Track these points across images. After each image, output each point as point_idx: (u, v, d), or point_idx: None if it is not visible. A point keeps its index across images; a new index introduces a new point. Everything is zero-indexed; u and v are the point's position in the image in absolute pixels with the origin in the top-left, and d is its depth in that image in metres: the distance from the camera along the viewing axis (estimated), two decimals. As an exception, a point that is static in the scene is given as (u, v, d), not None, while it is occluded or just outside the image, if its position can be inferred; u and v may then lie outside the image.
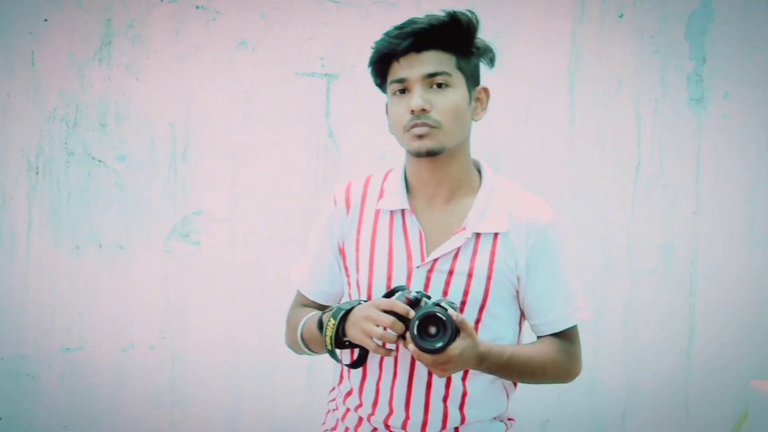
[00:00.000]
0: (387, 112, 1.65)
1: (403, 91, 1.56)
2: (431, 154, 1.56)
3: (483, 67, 1.65)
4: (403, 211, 1.63)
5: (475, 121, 1.65)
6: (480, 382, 1.64)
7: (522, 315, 1.69)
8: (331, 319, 1.53)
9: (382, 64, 1.58)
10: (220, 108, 2.56)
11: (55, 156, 2.57)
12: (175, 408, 2.59)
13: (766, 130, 2.56)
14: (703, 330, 2.57)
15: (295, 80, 2.54)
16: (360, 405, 1.66)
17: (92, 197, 2.57)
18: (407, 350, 1.47)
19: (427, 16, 1.55)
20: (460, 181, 1.64)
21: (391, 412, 1.63)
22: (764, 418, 2.20)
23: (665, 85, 2.54)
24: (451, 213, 1.63)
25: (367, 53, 1.58)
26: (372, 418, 1.64)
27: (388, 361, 1.62)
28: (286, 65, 2.54)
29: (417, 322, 1.42)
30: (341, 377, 1.72)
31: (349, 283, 1.69)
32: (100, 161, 2.57)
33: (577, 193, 2.56)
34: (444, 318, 1.42)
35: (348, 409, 1.70)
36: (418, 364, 1.60)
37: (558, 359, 1.67)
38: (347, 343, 1.55)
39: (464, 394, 1.63)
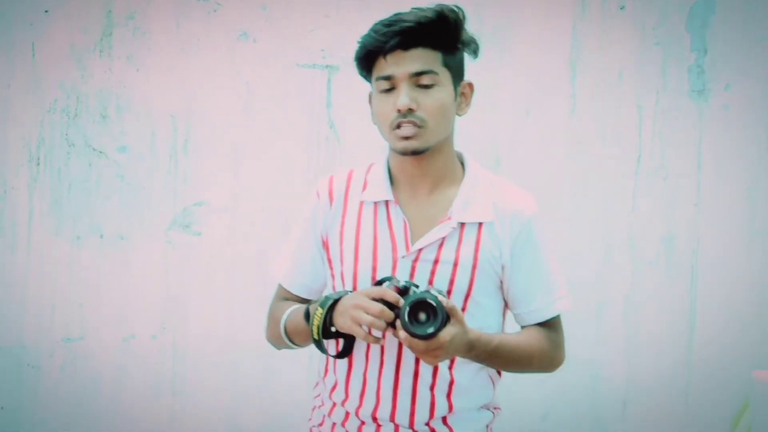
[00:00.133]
0: (369, 102, 1.64)
1: (389, 88, 1.56)
2: (417, 153, 1.58)
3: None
4: (387, 202, 1.64)
5: (459, 116, 1.66)
6: (466, 370, 1.65)
7: (505, 305, 1.71)
8: (319, 308, 1.53)
9: (368, 60, 1.58)
10: (221, 99, 2.56)
11: (55, 147, 2.57)
12: (176, 398, 2.59)
13: (767, 121, 2.55)
14: (703, 321, 2.57)
15: (296, 72, 2.54)
16: (346, 398, 1.66)
17: (93, 188, 2.57)
18: (397, 338, 1.47)
19: (413, 11, 1.53)
20: (444, 173, 1.65)
21: (378, 403, 1.63)
22: (765, 408, 2.20)
23: (666, 77, 2.54)
24: (435, 203, 1.64)
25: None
26: (360, 410, 1.64)
27: (374, 351, 1.63)
28: (287, 57, 2.54)
29: (408, 308, 1.42)
30: (326, 371, 1.72)
31: (332, 276, 1.69)
32: (100, 152, 2.57)
33: (578, 185, 2.56)
34: (435, 303, 1.42)
35: (334, 404, 1.69)
36: (404, 353, 1.61)
37: (543, 348, 1.68)
38: (334, 332, 1.55)
39: (451, 383, 1.64)
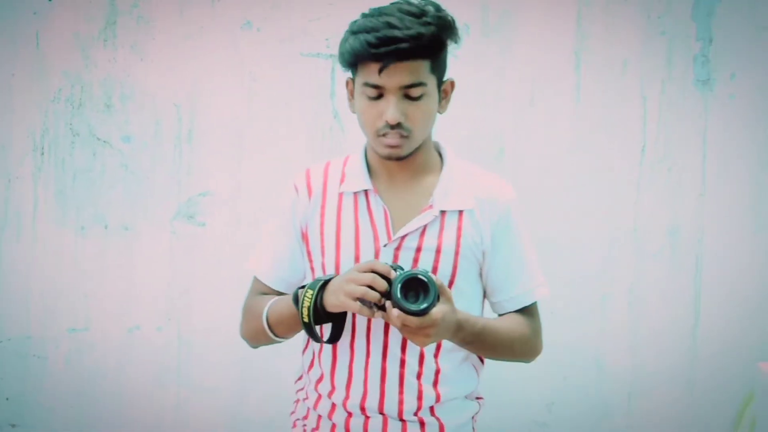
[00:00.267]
0: (347, 86, 1.65)
1: (377, 96, 1.56)
2: (400, 159, 1.61)
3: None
4: (366, 191, 1.65)
5: (440, 113, 1.67)
6: (452, 359, 1.67)
7: (484, 294, 1.73)
8: (309, 290, 1.52)
9: (355, 64, 1.57)
10: (225, 89, 2.55)
11: (60, 136, 2.57)
12: (181, 389, 2.60)
13: (773, 111, 2.55)
14: (708, 312, 2.56)
15: (300, 61, 2.53)
16: (333, 390, 1.66)
17: (97, 178, 2.57)
18: (387, 320, 1.47)
19: (404, 20, 1.51)
20: (423, 163, 1.67)
21: (365, 393, 1.63)
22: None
23: (671, 66, 2.53)
24: (414, 192, 1.66)
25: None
26: (347, 402, 1.64)
27: (360, 341, 1.63)
28: (290, 46, 2.53)
29: (399, 285, 1.42)
30: (311, 364, 1.72)
31: (312, 268, 1.69)
32: (105, 142, 2.58)
33: (581, 175, 2.55)
34: (426, 279, 1.42)
35: (320, 396, 1.69)
36: (391, 341, 1.62)
37: (524, 334, 1.71)
38: (325, 315, 1.54)
39: (437, 371, 1.65)
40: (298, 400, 1.79)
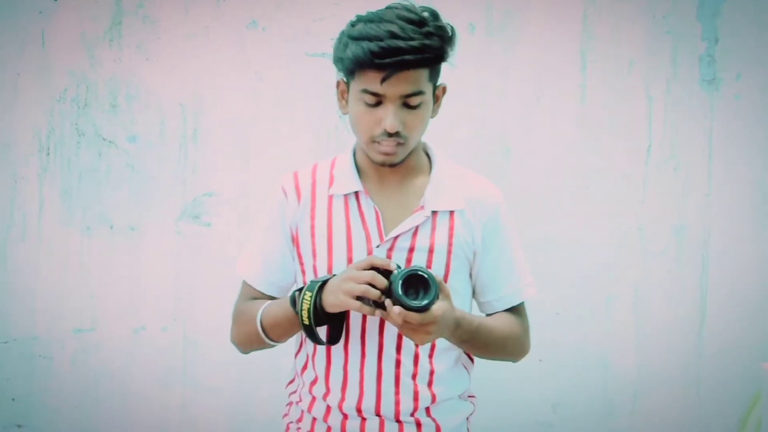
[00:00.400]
0: (337, 87, 1.65)
1: (375, 103, 1.56)
2: (394, 165, 1.62)
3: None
4: (356, 193, 1.66)
5: (432, 118, 1.67)
6: (445, 359, 1.68)
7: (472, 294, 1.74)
8: (307, 292, 1.52)
9: (354, 69, 1.56)
10: (230, 88, 2.55)
11: (65, 136, 2.57)
12: (187, 389, 2.59)
13: (779, 111, 2.55)
14: (714, 312, 2.56)
15: (306, 60, 2.53)
16: (327, 392, 1.66)
17: (103, 178, 2.57)
18: (387, 319, 1.47)
19: (405, 28, 1.50)
20: (412, 164, 1.68)
21: (361, 395, 1.63)
22: (776, 399, 2.19)
23: (677, 66, 2.53)
24: (404, 192, 1.67)
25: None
26: (343, 404, 1.64)
27: (354, 343, 1.64)
28: (296, 46, 2.53)
29: (400, 282, 1.42)
30: (304, 366, 1.72)
31: (303, 271, 1.69)
32: (110, 142, 2.58)
33: (587, 174, 2.55)
34: (426, 276, 1.43)
35: (314, 398, 1.69)
36: (386, 342, 1.63)
37: (515, 333, 1.73)
38: (325, 316, 1.54)
39: (431, 372, 1.66)
40: (290, 403, 1.79)
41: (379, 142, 1.58)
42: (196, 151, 2.56)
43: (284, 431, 1.80)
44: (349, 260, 1.63)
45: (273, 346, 1.70)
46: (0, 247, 2.58)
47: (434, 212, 1.65)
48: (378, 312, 1.48)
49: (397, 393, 1.64)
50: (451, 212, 1.66)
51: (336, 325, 1.60)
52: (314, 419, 1.70)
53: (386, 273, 1.49)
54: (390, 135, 1.56)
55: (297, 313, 1.55)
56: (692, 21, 2.52)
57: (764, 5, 2.51)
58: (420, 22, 1.52)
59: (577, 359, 2.57)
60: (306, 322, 1.52)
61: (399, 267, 1.51)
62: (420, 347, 1.65)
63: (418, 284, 1.44)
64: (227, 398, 2.60)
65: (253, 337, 1.68)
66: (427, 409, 1.67)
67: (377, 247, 1.63)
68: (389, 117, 1.54)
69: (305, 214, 1.68)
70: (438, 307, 1.45)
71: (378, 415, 1.64)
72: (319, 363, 1.68)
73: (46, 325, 2.59)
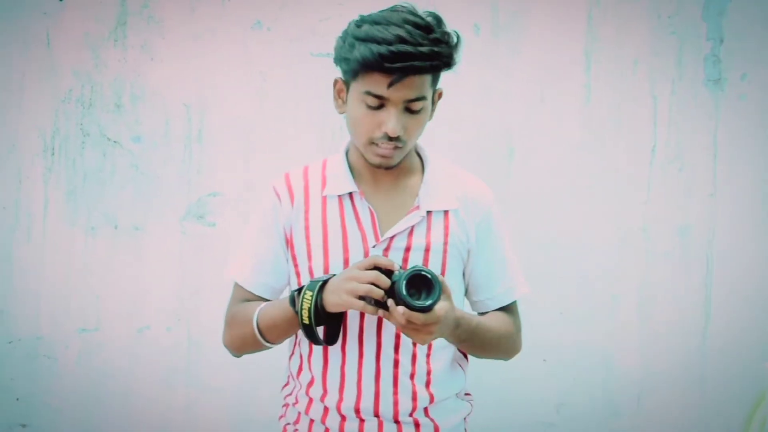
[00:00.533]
0: (335, 86, 1.65)
1: (378, 106, 1.55)
2: (390, 168, 1.62)
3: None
4: (351, 194, 1.66)
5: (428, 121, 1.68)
6: (442, 358, 1.69)
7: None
8: (308, 291, 1.52)
9: (359, 70, 1.55)
10: (235, 88, 2.55)
11: (70, 137, 2.57)
12: (190, 389, 2.60)
13: (784, 111, 2.54)
14: (719, 312, 2.55)
15: (310, 61, 2.53)
16: (325, 393, 1.66)
17: (107, 178, 2.57)
18: (389, 320, 1.48)
19: (413, 33, 1.50)
20: (406, 165, 1.69)
21: (359, 395, 1.63)
22: (781, 400, 2.19)
23: (682, 66, 2.53)
24: (398, 193, 1.68)
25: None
26: (341, 405, 1.64)
27: (352, 343, 1.64)
28: (300, 46, 2.53)
29: (405, 282, 1.42)
30: (299, 368, 1.71)
31: (298, 273, 1.69)
32: (115, 142, 2.58)
33: (592, 175, 2.55)
34: (430, 276, 1.43)
35: (311, 400, 1.69)
36: (384, 341, 1.63)
37: (509, 331, 1.75)
38: (325, 315, 1.54)
39: (428, 372, 1.67)
40: (286, 405, 1.78)
41: (377, 145, 1.58)
42: (200, 152, 2.56)
43: None
44: (346, 261, 1.63)
45: (268, 348, 1.69)
46: (5, 247, 2.58)
47: (429, 212, 1.66)
48: (380, 312, 1.48)
49: (395, 393, 1.64)
50: (446, 212, 1.67)
51: (334, 325, 1.60)
52: (312, 421, 1.70)
53: (388, 273, 1.49)
54: (390, 139, 1.56)
55: (296, 312, 1.54)
56: (697, 21, 2.51)
57: (770, 6, 2.51)
58: (426, 28, 1.52)
59: (580, 359, 2.57)
60: (306, 321, 1.52)
61: (400, 267, 1.51)
62: (417, 347, 1.65)
63: (420, 284, 1.44)
64: (231, 398, 2.60)
65: (249, 340, 1.67)
66: (426, 410, 1.67)
67: (373, 247, 1.63)
68: (391, 121, 1.54)
69: (299, 215, 1.68)
70: (440, 306, 1.45)
71: (376, 415, 1.64)
72: (316, 364, 1.67)
73: (50, 325, 2.60)
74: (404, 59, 1.48)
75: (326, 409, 1.67)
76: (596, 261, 2.55)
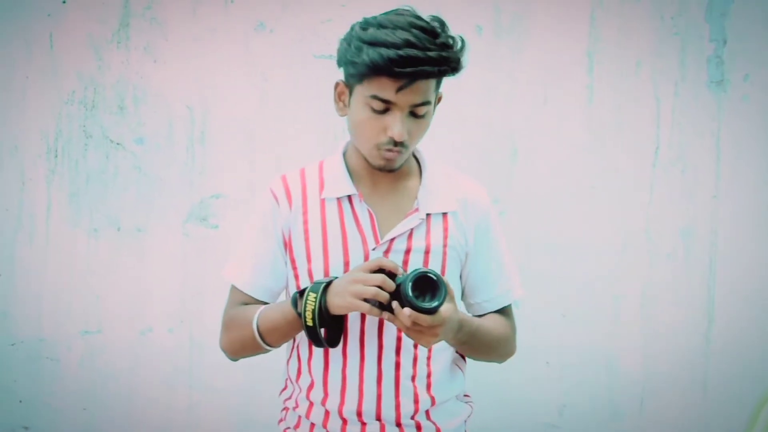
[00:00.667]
0: (336, 88, 1.64)
1: (384, 110, 1.55)
2: (392, 171, 1.62)
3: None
4: (349, 196, 1.65)
5: None
6: (442, 360, 1.69)
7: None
8: (311, 293, 1.51)
9: (365, 74, 1.54)
10: (238, 90, 2.55)
11: (73, 138, 2.58)
12: (193, 391, 2.60)
13: (786, 112, 2.54)
14: (722, 314, 2.55)
15: (313, 62, 2.53)
16: (326, 396, 1.65)
17: (110, 180, 2.58)
18: (393, 321, 1.47)
19: (420, 38, 1.49)
20: (405, 168, 1.68)
21: (361, 398, 1.63)
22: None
23: (685, 68, 2.52)
24: (397, 195, 1.67)
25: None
26: (343, 408, 1.63)
27: (353, 346, 1.63)
28: (303, 48, 2.54)
29: (411, 284, 1.42)
30: (298, 372, 1.71)
31: (296, 276, 1.68)
32: (118, 144, 2.58)
33: (594, 176, 2.55)
34: (435, 278, 1.43)
35: (312, 404, 1.68)
36: (385, 343, 1.63)
37: (507, 333, 1.75)
38: (328, 318, 1.53)
39: (429, 374, 1.66)
40: (286, 409, 1.77)
41: (382, 149, 1.58)
42: (203, 153, 2.57)
43: None
44: (346, 263, 1.62)
45: (267, 351, 1.68)
46: (7, 249, 2.58)
47: (428, 214, 1.66)
48: (385, 315, 1.47)
49: (397, 396, 1.64)
50: (444, 214, 1.67)
51: (336, 327, 1.60)
52: (312, 425, 1.69)
53: (391, 275, 1.49)
54: (395, 143, 1.56)
55: (299, 314, 1.54)
56: (700, 22, 2.51)
57: (773, 7, 2.51)
58: (432, 32, 1.51)
59: (583, 361, 2.57)
60: (310, 323, 1.51)
61: (403, 270, 1.51)
62: (419, 349, 1.65)
63: (426, 286, 1.43)
64: (233, 400, 2.60)
65: (248, 343, 1.66)
66: (427, 412, 1.67)
67: (373, 249, 1.62)
68: (397, 126, 1.54)
69: (297, 218, 1.67)
70: (445, 308, 1.45)
71: (378, 419, 1.64)
72: (316, 367, 1.67)
73: (52, 327, 2.60)
74: (414, 64, 1.47)
75: (327, 413, 1.66)
76: (598, 262, 2.55)
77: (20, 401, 2.61)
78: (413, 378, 1.65)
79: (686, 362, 2.57)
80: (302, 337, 1.67)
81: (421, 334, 1.47)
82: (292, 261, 1.68)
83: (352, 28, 1.60)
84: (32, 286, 2.59)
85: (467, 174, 1.79)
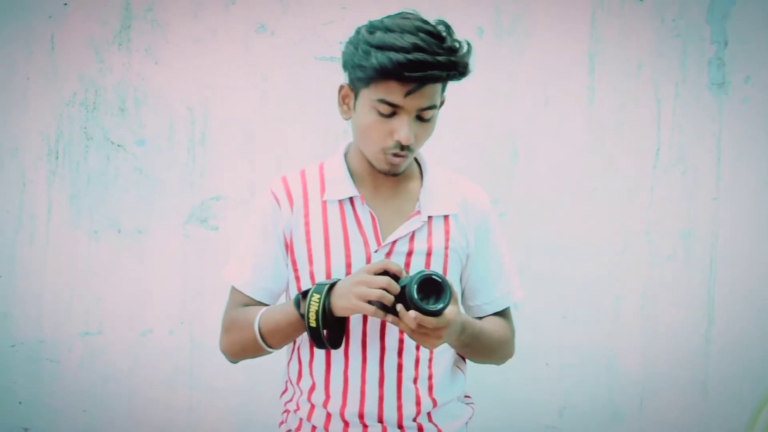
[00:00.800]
0: (340, 91, 1.64)
1: (391, 113, 1.54)
2: (397, 175, 1.62)
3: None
4: (351, 198, 1.65)
5: None
6: (443, 362, 1.69)
7: None
8: (315, 294, 1.51)
9: (373, 78, 1.53)
10: (238, 92, 2.55)
11: (74, 140, 2.58)
12: (193, 392, 2.60)
13: (787, 114, 2.54)
14: (721, 315, 2.55)
15: (313, 64, 2.53)
16: (327, 399, 1.65)
17: (111, 182, 2.58)
18: (397, 323, 1.47)
19: (428, 42, 1.48)
20: (407, 171, 1.68)
21: (363, 400, 1.62)
22: (785, 403, 2.19)
23: (686, 69, 2.52)
24: (398, 197, 1.67)
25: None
26: (345, 410, 1.63)
27: (355, 348, 1.63)
28: (304, 49, 2.54)
29: (416, 286, 1.42)
30: (299, 374, 1.70)
31: (298, 278, 1.67)
32: (119, 145, 2.58)
33: (595, 177, 2.55)
34: (440, 280, 1.42)
35: (313, 406, 1.68)
36: (388, 345, 1.62)
37: (507, 335, 1.75)
38: (332, 319, 1.53)
39: (431, 376, 1.66)
40: (287, 411, 1.76)
41: (387, 152, 1.57)
42: (204, 155, 2.56)
43: None
44: (348, 265, 1.62)
45: (268, 353, 1.68)
46: (8, 251, 2.58)
47: (429, 217, 1.66)
48: (389, 317, 1.47)
49: (399, 398, 1.64)
50: (446, 216, 1.67)
51: (338, 329, 1.59)
52: (314, 427, 1.68)
53: (395, 278, 1.48)
54: (402, 147, 1.55)
55: (302, 316, 1.53)
56: (701, 24, 2.51)
57: (773, 9, 2.51)
58: (439, 36, 1.51)
59: (583, 362, 2.57)
60: (314, 324, 1.50)
61: (406, 272, 1.51)
62: (421, 350, 1.65)
63: (430, 288, 1.43)
64: (233, 401, 2.60)
65: (249, 344, 1.65)
66: (429, 414, 1.67)
67: (375, 251, 1.62)
68: (405, 129, 1.53)
69: (299, 220, 1.67)
70: (450, 311, 1.45)
71: (380, 421, 1.63)
72: (318, 369, 1.66)
73: (53, 329, 2.60)
74: (423, 68, 1.47)
75: (329, 415, 1.66)
76: (599, 263, 2.55)
77: (20, 402, 2.61)
78: (415, 380, 1.65)
79: (686, 363, 2.57)
80: (303, 339, 1.67)
81: (425, 336, 1.46)
82: (294, 263, 1.68)
83: (357, 31, 1.58)
84: (32, 288, 2.59)
85: (466, 175, 1.79)
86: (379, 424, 1.63)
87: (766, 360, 2.51)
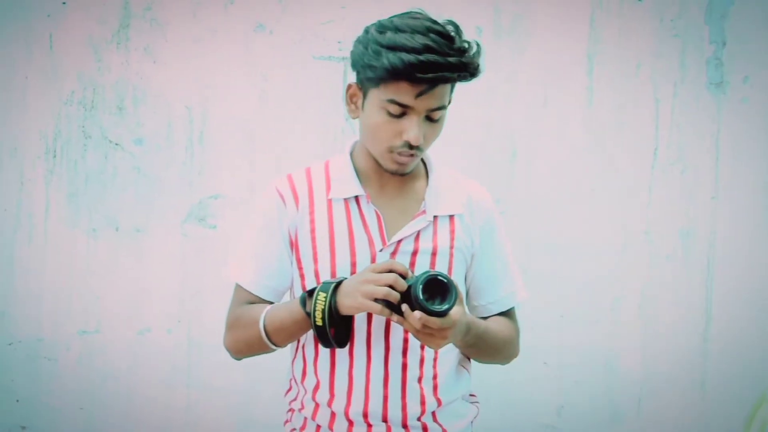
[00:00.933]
0: (348, 90, 1.62)
1: (400, 114, 1.54)
2: (404, 175, 1.63)
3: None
4: (357, 197, 1.65)
5: None
6: (447, 361, 1.69)
7: None
8: (321, 292, 1.50)
9: (383, 78, 1.52)
10: (237, 91, 2.55)
11: (72, 139, 2.57)
12: (191, 391, 2.59)
13: (786, 114, 2.54)
14: (720, 315, 2.55)
15: (312, 64, 2.53)
16: (332, 398, 1.64)
17: (109, 180, 2.57)
18: (402, 323, 1.46)
19: (438, 43, 1.48)
20: (412, 170, 1.67)
21: (367, 399, 1.62)
22: (783, 403, 2.19)
23: (684, 69, 2.52)
24: (404, 196, 1.67)
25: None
26: (349, 409, 1.63)
27: (360, 347, 1.62)
28: (303, 49, 2.53)
29: (422, 286, 1.41)
30: (303, 373, 1.69)
31: (302, 276, 1.67)
32: (117, 144, 2.58)
33: (594, 177, 2.55)
34: (446, 281, 1.42)
35: (317, 405, 1.67)
36: (392, 345, 1.62)
37: (512, 335, 1.75)
38: (338, 318, 1.52)
39: (435, 376, 1.66)
40: (291, 410, 1.76)
41: (396, 152, 1.57)
42: (202, 154, 2.56)
43: None
44: (353, 264, 1.62)
45: (273, 351, 1.67)
46: (6, 249, 2.58)
47: (435, 216, 1.66)
48: (394, 317, 1.47)
49: (403, 397, 1.64)
50: (451, 216, 1.67)
51: (344, 327, 1.59)
52: (318, 426, 1.68)
53: (401, 277, 1.48)
54: (411, 147, 1.55)
55: (308, 314, 1.53)
56: (700, 24, 2.51)
57: (772, 9, 2.51)
58: (449, 36, 1.51)
59: (582, 362, 2.57)
60: (320, 323, 1.50)
61: (411, 272, 1.51)
62: (426, 350, 1.65)
63: (436, 288, 1.43)
64: (231, 400, 2.59)
65: (254, 342, 1.64)
66: (434, 414, 1.67)
67: (380, 251, 1.62)
68: (414, 130, 1.53)
69: (304, 218, 1.66)
70: (455, 311, 1.44)
71: (384, 420, 1.63)
72: (322, 368, 1.66)
73: (51, 327, 2.60)
74: (434, 69, 1.46)
75: (333, 414, 1.65)
76: (598, 263, 2.55)
77: (18, 401, 2.61)
78: (420, 379, 1.64)
79: (685, 362, 2.57)
80: (308, 337, 1.66)
81: (430, 336, 1.46)
82: (298, 261, 1.67)
83: (366, 31, 1.57)
84: (31, 286, 2.59)
85: (466, 175, 1.79)
86: (384, 424, 1.63)
87: (764, 359, 2.51)
